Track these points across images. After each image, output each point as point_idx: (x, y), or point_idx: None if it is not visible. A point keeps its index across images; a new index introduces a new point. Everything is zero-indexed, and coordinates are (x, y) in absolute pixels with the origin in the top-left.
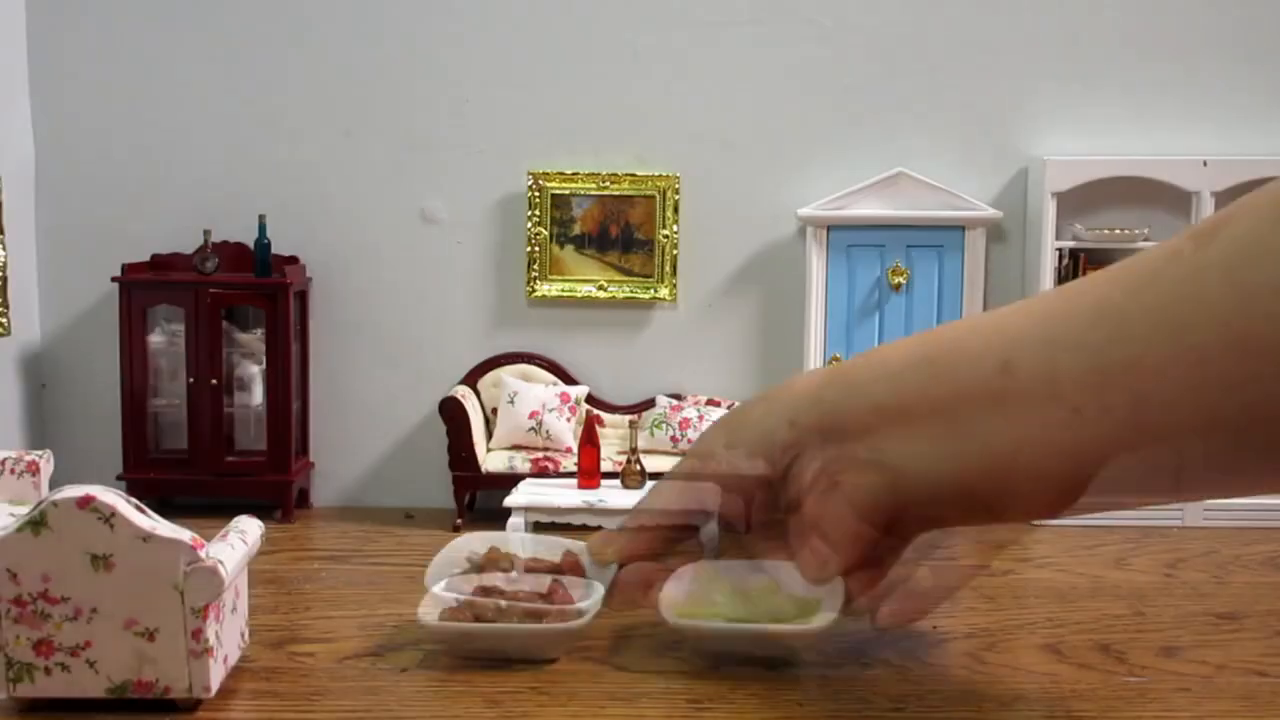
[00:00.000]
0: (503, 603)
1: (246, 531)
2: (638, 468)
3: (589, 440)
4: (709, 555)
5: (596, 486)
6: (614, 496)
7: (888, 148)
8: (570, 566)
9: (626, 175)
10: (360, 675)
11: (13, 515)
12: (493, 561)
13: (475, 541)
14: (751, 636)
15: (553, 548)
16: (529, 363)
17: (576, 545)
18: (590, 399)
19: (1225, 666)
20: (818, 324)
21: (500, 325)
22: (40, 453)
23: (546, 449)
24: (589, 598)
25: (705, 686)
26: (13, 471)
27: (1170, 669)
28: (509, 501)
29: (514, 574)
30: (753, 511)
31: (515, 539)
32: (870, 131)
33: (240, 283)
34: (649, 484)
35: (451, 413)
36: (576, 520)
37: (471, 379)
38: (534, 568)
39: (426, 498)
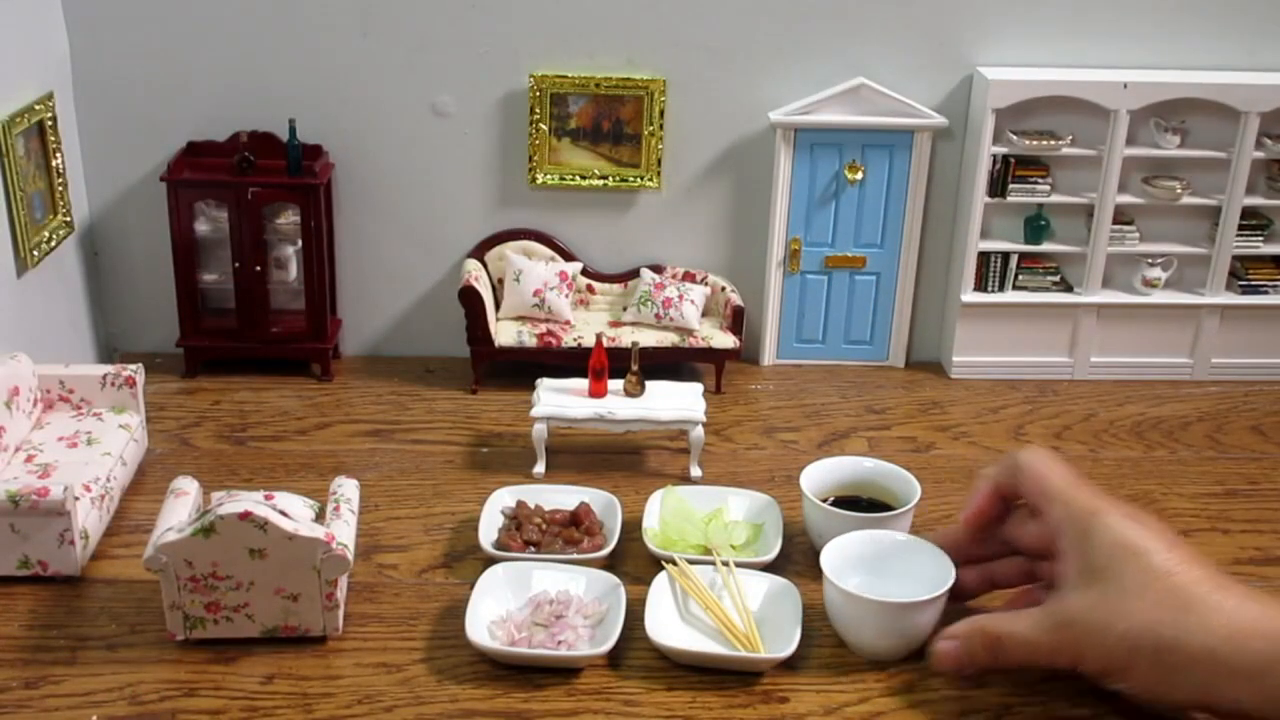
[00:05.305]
0: (543, 523)
1: (351, 499)
2: (636, 379)
3: (598, 361)
4: None
5: (605, 394)
6: (621, 409)
7: (850, 55)
8: (585, 513)
9: (618, 77)
10: (439, 593)
11: (122, 427)
12: (524, 507)
13: (505, 496)
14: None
15: (566, 495)
16: (530, 239)
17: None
18: (584, 272)
19: None
20: (782, 210)
21: (504, 206)
22: (134, 367)
23: (549, 320)
24: (613, 517)
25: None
26: (113, 384)
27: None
28: (532, 413)
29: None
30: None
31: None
32: (835, 40)
33: (277, 183)
34: (649, 387)
35: (469, 300)
36: (589, 429)
37: (479, 252)
38: (555, 516)
39: (442, 349)
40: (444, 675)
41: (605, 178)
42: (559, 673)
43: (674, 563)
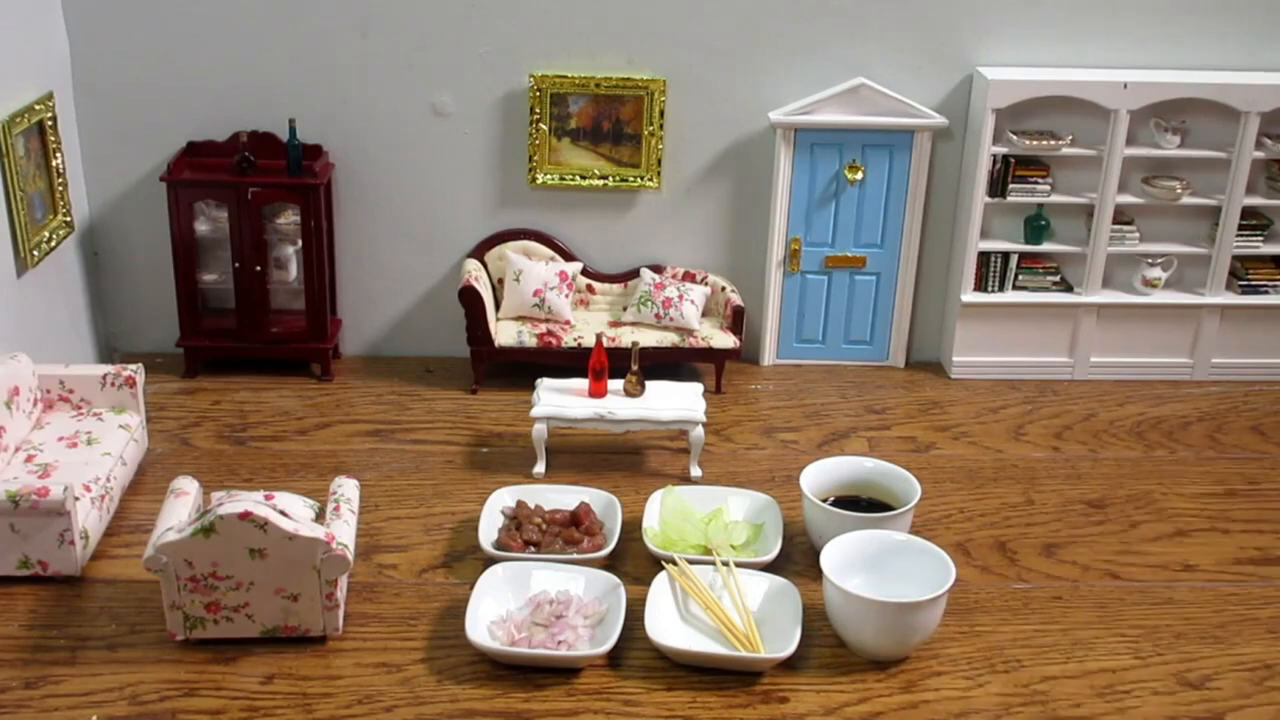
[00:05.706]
0: (543, 523)
1: (351, 499)
2: (636, 379)
3: (599, 361)
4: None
5: (605, 394)
6: (621, 409)
7: (850, 55)
8: (585, 513)
9: (618, 77)
10: (439, 593)
11: (122, 427)
12: (524, 507)
13: (505, 496)
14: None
15: (566, 495)
16: (530, 239)
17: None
18: (584, 272)
19: (1089, 568)
20: (782, 210)
21: (504, 206)
22: (134, 367)
23: (549, 320)
24: (613, 518)
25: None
26: (113, 384)
27: (1048, 571)
28: (532, 413)
29: (539, 522)
30: None
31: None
32: (835, 40)
33: (276, 183)
34: (649, 387)
35: (469, 300)
36: (589, 429)
37: (479, 252)
38: (554, 516)
39: (442, 349)
40: (444, 675)
41: (605, 178)
42: (559, 673)
43: (674, 563)
